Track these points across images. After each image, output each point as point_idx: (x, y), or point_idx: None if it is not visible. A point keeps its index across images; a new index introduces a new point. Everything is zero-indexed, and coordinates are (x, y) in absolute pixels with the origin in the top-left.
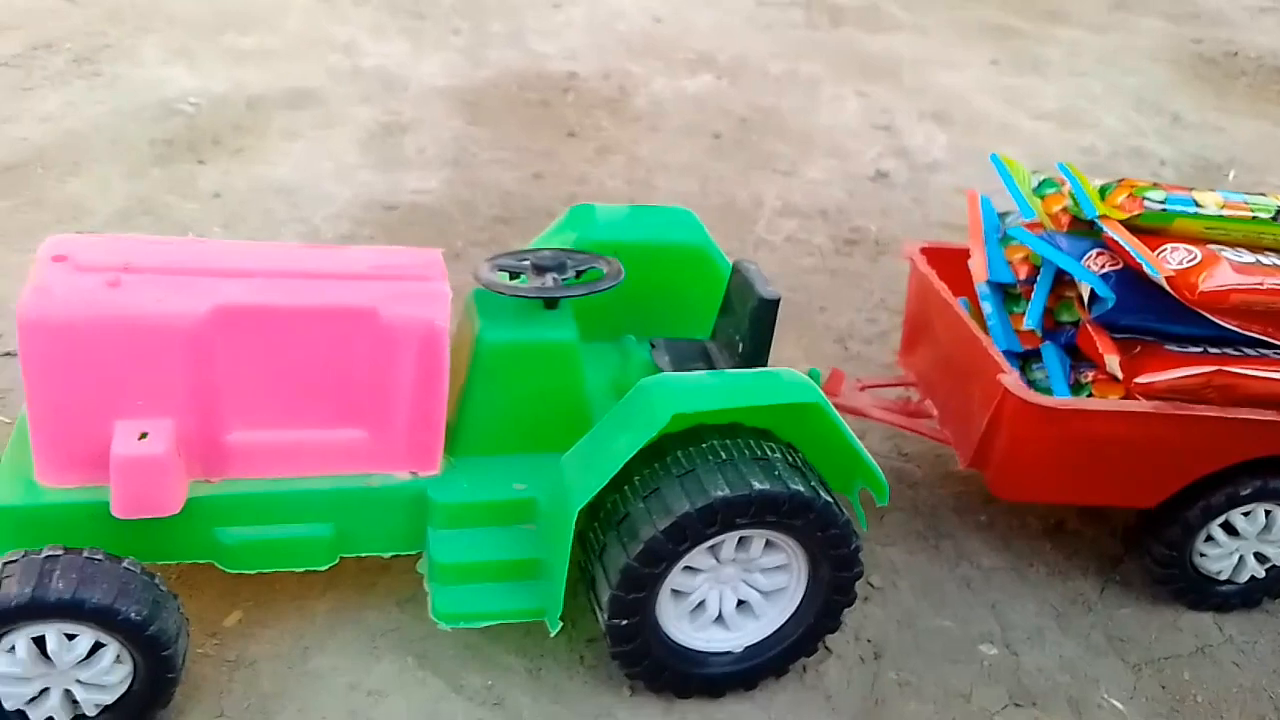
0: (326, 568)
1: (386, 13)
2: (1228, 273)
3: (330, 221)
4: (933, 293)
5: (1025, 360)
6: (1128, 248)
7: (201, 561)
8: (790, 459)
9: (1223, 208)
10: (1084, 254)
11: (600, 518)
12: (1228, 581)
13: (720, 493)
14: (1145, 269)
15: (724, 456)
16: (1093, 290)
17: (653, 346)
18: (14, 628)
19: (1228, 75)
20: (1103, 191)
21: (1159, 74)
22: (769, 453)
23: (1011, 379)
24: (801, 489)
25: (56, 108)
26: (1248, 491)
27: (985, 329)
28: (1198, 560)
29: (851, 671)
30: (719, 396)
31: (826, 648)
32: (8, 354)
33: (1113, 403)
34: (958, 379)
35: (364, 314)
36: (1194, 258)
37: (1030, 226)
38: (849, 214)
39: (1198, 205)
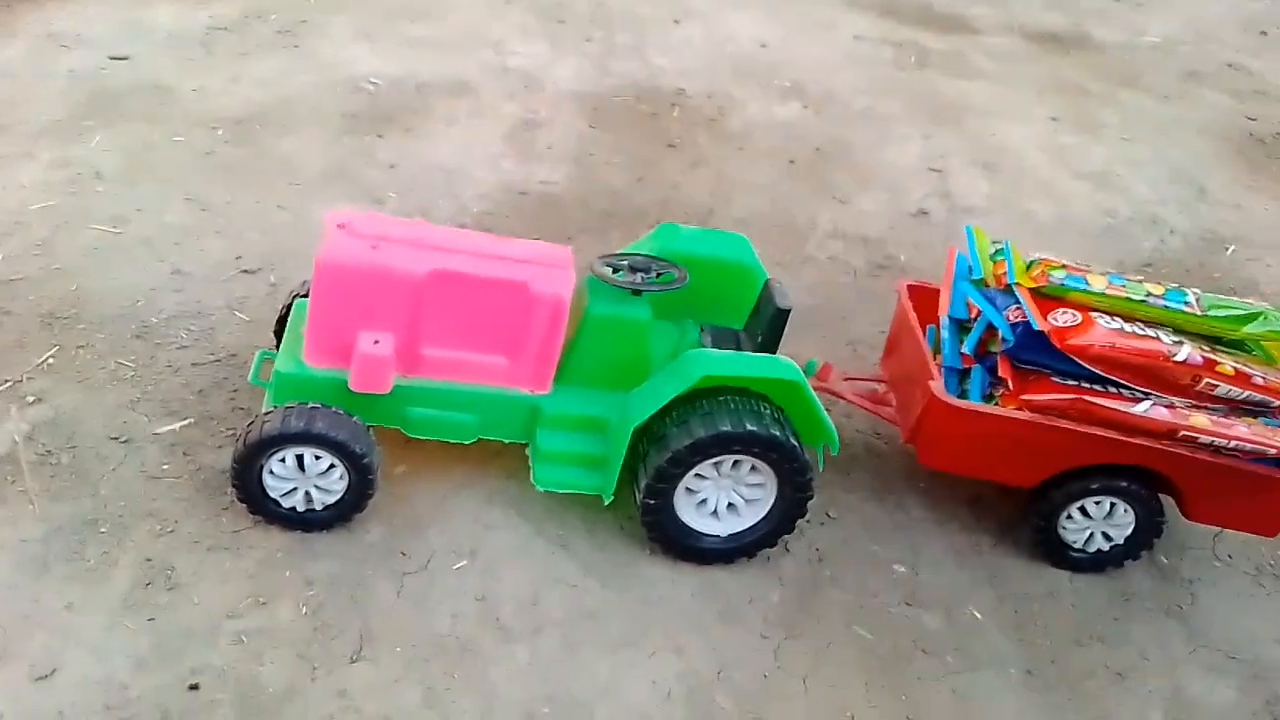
0: (469, 443)
1: (533, 14)
2: (1094, 334)
3: (475, 200)
4: (907, 318)
5: (964, 375)
6: (1024, 306)
7: (392, 427)
8: (776, 415)
9: (1106, 289)
10: (1007, 307)
11: (647, 435)
12: (1080, 550)
13: (725, 428)
14: (1031, 323)
15: (732, 406)
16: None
17: (701, 330)
18: (288, 447)
19: (1270, 155)
20: (1030, 265)
21: (1203, 147)
22: (762, 409)
23: (937, 385)
24: (777, 434)
25: (269, 74)
26: (1095, 486)
27: (940, 349)
28: (1060, 531)
29: (800, 567)
30: (734, 367)
31: (786, 548)
32: (248, 271)
33: (996, 409)
34: (909, 380)
35: (520, 285)
36: (1076, 319)
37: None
38: (886, 244)
39: (1088, 284)
